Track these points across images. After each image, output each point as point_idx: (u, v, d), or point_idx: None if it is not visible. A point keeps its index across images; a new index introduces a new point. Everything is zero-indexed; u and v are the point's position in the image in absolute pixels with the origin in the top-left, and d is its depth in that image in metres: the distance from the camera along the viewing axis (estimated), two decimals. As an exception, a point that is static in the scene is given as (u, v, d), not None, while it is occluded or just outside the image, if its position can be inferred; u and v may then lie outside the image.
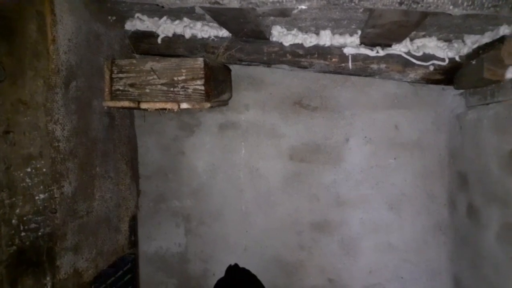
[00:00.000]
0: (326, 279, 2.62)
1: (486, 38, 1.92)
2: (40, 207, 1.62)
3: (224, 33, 2.26)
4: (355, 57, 2.21)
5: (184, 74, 1.92)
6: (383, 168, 2.54)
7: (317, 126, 2.57)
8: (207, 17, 2.11)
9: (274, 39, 2.25)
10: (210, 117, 2.65)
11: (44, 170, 1.64)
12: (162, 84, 1.93)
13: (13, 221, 1.52)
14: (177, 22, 2.28)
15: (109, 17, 2.15)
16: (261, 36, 2.20)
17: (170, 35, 2.30)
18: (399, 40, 2.13)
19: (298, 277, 2.64)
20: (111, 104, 1.99)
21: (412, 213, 2.54)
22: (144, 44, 2.35)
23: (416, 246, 2.55)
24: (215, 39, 2.28)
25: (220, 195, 2.66)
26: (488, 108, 2.00)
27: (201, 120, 2.66)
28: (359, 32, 2.14)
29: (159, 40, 2.30)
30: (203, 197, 2.68)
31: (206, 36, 2.27)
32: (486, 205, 2.04)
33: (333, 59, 2.23)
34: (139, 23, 2.31)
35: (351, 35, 2.19)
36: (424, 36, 2.15)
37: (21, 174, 1.56)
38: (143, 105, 1.97)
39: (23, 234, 1.55)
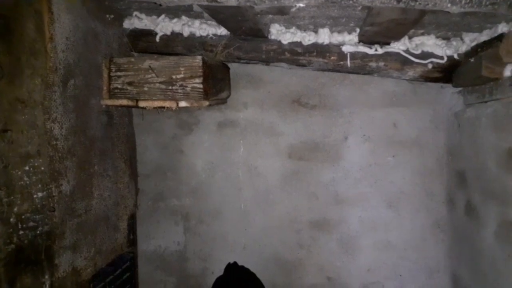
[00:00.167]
0: (325, 277, 2.63)
1: (485, 36, 1.92)
2: (39, 206, 1.62)
3: (222, 31, 2.26)
4: (354, 55, 2.21)
5: (182, 72, 1.92)
6: (381, 166, 2.54)
7: (316, 124, 2.57)
8: (205, 15, 2.11)
9: (272, 37, 2.25)
10: (209, 116, 2.65)
11: (42, 168, 1.64)
12: (160, 83, 1.93)
13: (11, 219, 1.51)
14: (175, 20, 2.27)
15: (107, 16, 2.15)
16: (260, 34, 2.19)
17: (168, 33, 2.29)
18: (397, 38, 2.13)
19: (297, 275, 2.64)
20: (109, 102, 1.99)
21: (410, 211, 2.54)
22: (142, 42, 2.35)
23: (414, 244, 2.55)
24: (214, 37, 2.28)
25: (219, 193, 2.66)
26: (486, 106, 2.00)
27: (199, 119, 2.66)
28: (358, 30, 2.14)
29: (157, 39, 2.30)
30: (202, 195, 2.68)
31: (204, 34, 2.27)
32: (484, 203, 2.04)
33: (332, 57, 2.23)
34: (137, 21, 2.30)
35: (349, 33, 2.19)
36: (422, 34, 2.15)
37: (19, 173, 1.55)
38: (142, 104, 1.97)
39: (21, 232, 1.55)
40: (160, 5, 1.68)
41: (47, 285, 1.64)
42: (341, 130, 2.56)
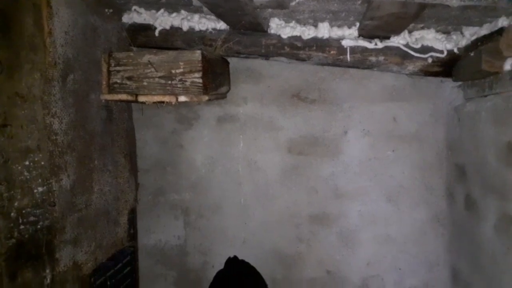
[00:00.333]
0: (324, 271, 2.64)
1: (485, 30, 1.92)
2: (39, 200, 1.62)
3: (222, 25, 2.25)
4: (354, 50, 2.21)
5: (182, 67, 1.91)
6: (381, 161, 2.55)
7: (315, 119, 2.57)
8: (205, 9, 2.10)
9: (272, 31, 2.25)
10: (208, 110, 2.65)
11: (42, 163, 1.64)
12: (159, 77, 1.93)
13: (12, 214, 1.52)
14: (174, 14, 2.26)
15: (106, 10, 2.14)
16: (259, 28, 2.19)
17: (167, 27, 2.28)
18: (397, 32, 2.12)
19: (296, 269, 2.65)
20: (109, 97, 1.98)
21: (410, 205, 2.55)
22: (141, 37, 2.34)
23: (414, 238, 2.56)
24: (213, 32, 2.27)
25: (219, 188, 2.67)
26: (486, 100, 2.00)
27: (199, 113, 2.66)
28: (358, 24, 2.13)
29: (156, 33, 2.29)
30: (202, 190, 2.68)
31: (203, 28, 2.26)
32: (484, 196, 2.05)
33: (332, 52, 2.23)
34: (136, 15, 2.29)
35: (349, 27, 2.18)
36: (422, 28, 2.14)
37: (19, 168, 1.56)
38: (141, 98, 1.97)
39: (22, 227, 1.55)
40: (159, -1, 1.68)
41: (48, 280, 1.65)
42: (341, 124, 2.56)
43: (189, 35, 2.28)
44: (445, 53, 2.13)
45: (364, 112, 2.54)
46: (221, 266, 2.56)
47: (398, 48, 2.17)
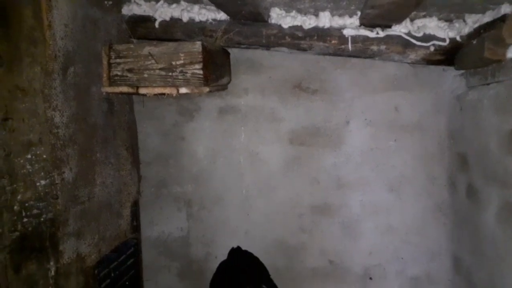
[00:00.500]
0: (326, 260, 2.65)
1: (487, 17, 1.90)
2: (42, 193, 1.63)
3: (222, 16, 2.23)
4: (355, 39, 2.19)
5: (182, 59, 1.90)
6: (383, 150, 2.54)
7: (317, 109, 2.56)
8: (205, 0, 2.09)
9: (273, 21, 2.23)
10: (210, 102, 2.64)
11: (44, 156, 1.64)
12: (160, 69, 1.92)
13: (15, 207, 1.53)
14: (174, 5, 2.25)
15: (105, 2, 2.12)
16: (260, 18, 2.17)
17: (167, 19, 2.27)
18: (399, 20, 2.10)
19: (299, 259, 2.66)
20: (110, 89, 1.98)
21: (412, 194, 2.55)
22: (141, 28, 2.33)
23: (416, 227, 2.57)
24: (213, 22, 2.26)
25: (221, 179, 2.67)
26: (488, 88, 1.99)
27: (200, 105, 2.65)
28: (359, 13, 2.12)
29: (156, 24, 2.28)
30: (204, 182, 2.69)
31: (204, 19, 2.25)
32: (486, 185, 2.04)
33: (333, 41, 2.21)
34: (136, 7, 2.28)
35: (350, 16, 2.16)
36: (424, 16, 2.13)
37: (22, 161, 1.56)
38: (142, 90, 1.97)
39: (25, 220, 1.56)
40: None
41: (52, 272, 1.66)
42: (343, 114, 2.55)
43: (189, 26, 2.27)
44: (447, 41, 2.11)
45: (365, 102, 2.53)
46: (224, 257, 2.57)
47: (399, 36, 2.15)
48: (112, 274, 2.11)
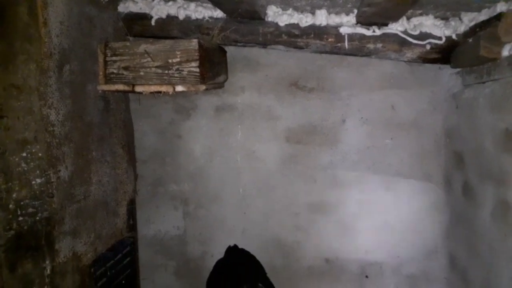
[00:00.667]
0: (323, 259, 2.65)
1: (483, 16, 1.90)
2: (37, 192, 1.62)
3: (218, 13, 2.23)
4: (352, 37, 2.19)
5: (178, 56, 1.90)
6: (379, 149, 2.55)
7: (314, 108, 2.56)
8: (201, -3, 2.08)
9: (269, 19, 2.23)
10: (206, 100, 2.63)
11: (40, 154, 1.63)
12: (156, 67, 1.91)
13: (10, 205, 1.52)
14: (170, 3, 2.24)
15: (101, -1, 2.12)
16: (256, 16, 2.17)
17: (163, 16, 2.26)
18: (395, 18, 2.11)
19: (295, 258, 2.67)
20: (106, 87, 1.97)
21: (408, 192, 2.56)
22: (137, 26, 2.32)
23: (412, 225, 2.57)
24: (210, 20, 2.25)
25: (218, 178, 2.67)
26: (484, 87, 2.00)
27: (197, 103, 2.64)
28: (355, 11, 2.11)
29: (152, 22, 2.27)
30: (201, 180, 2.68)
31: (200, 17, 2.24)
32: (481, 183, 2.05)
33: (329, 39, 2.21)
34: (132, 4, 2.27)
35: (347, 14, 2.16)
36: (421, 14, 2.13)
37: (17, 159, 1.55)
38: (138, 88, 1.96)
39: (20, 218, 1.55)
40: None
41: (48, 270, 1.65)
42: (339, 113, 2.55)
43: (186, 24, 2.26)
44: (444, 39, 2.11)
45: (362, 100, 2.53)
46: (221, 256, 2.57)
47: (396, 35, 2.15)
48: (109, 273, 2.10)
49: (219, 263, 2.55)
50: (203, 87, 1.96)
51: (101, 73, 1.95)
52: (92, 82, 2.00)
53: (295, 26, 2.21)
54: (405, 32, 2.14)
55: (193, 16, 2.24)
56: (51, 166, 1.68)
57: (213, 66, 2.14)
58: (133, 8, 2.27)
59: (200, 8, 2.22)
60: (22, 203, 1.56)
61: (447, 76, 2.43)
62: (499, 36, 1.70)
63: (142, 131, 2.68)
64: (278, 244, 2.67)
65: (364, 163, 2.57)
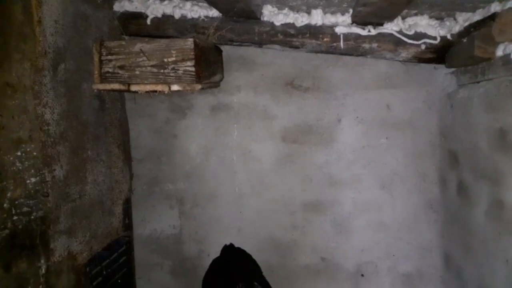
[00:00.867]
0: (319, 258, 2.66)
1: (478, 16, 1.91)
2: (32, 191, 1.62)
3: (214, 13, 2.23)
4: (347, 37, 2.20)
5: (174, 55, 1.90)
6: (375, 148, 2.56)
7: (309, 107, 2.57)
8: (197, -4, 2.08)
9: (265, 18, 2.23)
10: (202, 99, 2.63)
11: (35, 153, 1.63)
12: (152, 66, 1.91)
13: (5, 205, 1.51)
14: (166, 2, 2.24)
15: (97, -2, 2.11)
16: (252, 15, 2.17)
17: (159, 15, 2.26)
18: (390, 18, 2.11)
19: (291, 256, 2.67)
20: (101, 86, 1.97)
21: (403, 192, 2.57)
22: (133, 25, 2.31)
23: (407, 224, 2.59)
24: (205, 19, 2.25)
25: (213, 177, 2.67)
26: (478, 86, 2.01)
27: (192, 103, 2.64)
28: (351, 11, 2.12)
29: (148, 21, 2.27)
30: (196, 179, 2.68)
31: (196, 16, 2.24)
32: (475, 182, 2.06)
33: (325, 39, 2.22)
34: (128, 3, 2.27)
35: (342, 14, 2.17)
36: (416, 14, 2.14)
37: (11, 158, 1.55)
38: (133, 88, 1.96)
39: (15, 217, 1.55)
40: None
41: (43, 270, 1.65)
42: (335, 112, 2.56)
43: (181, 23, 2.26)
44: (438, 39, 2.12)
45: (357, 99, 2.54)
46: (217, 255, 2.57)
47: (391, 34, 2.16)
48: (104, 272, 2.10)
49: (215, 262, 2.54)
50: (199, 86, 1.96)
51: (96, 72, 1.94)
52: (87, 81, 1.99)
53: (291, 25, 2.21)
54: (400, 32, 2.15)
55: (189, 15, 2.24)
56: (46, 165, 1.68)
57: (208, 65, 2.14)
58: (128, 7, 2.27)
59: (195, 7, 2.22)
60: (16, 202, 1.56)
61: (442, 76, 2.44)
62: (493, 36, 1.71)
63: (138, 130, 2.67)
64: (274, 243, 2.67)
65: (360, 163, 2.57)
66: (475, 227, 2.08)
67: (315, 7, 2.15)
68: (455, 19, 2.10)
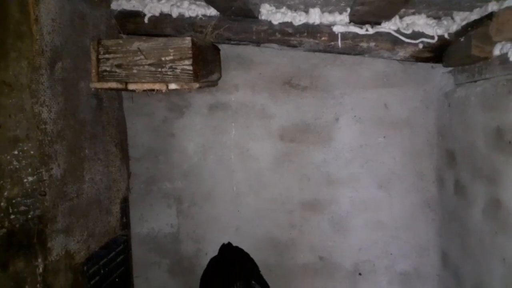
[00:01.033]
0: (316, 256, 2.67)
1: (475, 15, 1.91)
2: (29, 190, 1.61)
3: (212, 11, 2.23)
4: (345, 36, 2.20)
5: (171, 54, 1.90)
6: (372, 147, 2.56)
7: (307, 106, 2.57)
8: (194, -5, 2.08)
9: (263, 17, 2.23)
10: (200, 98, 2.63)
11: (32, 152, 1.62)
12: (149, 65, 1.91)
13: (2, 204, 1.51)
14: (163, 1, 2.24)
15: (94, -4, 2.10)
16: (250, 14, 2.17)
17: (157, 14, 2.26)
18: (388, 17, 2.12)
19: (289, 255, 2.68)
20: (98, 85, 1.97)
21: (401, 190, 2.57)
22: (130, 24, 2.31)
23: (405, 223, 2.59)
24: (203, 18, 2.25)
25: (211, 176, 2.67)
26: (475, 86, 2.01)
27: (190, 101, 2.64)
28: (349, 9, 2.12)
29: (146, 20, 2.26)
30: (194, 178, 2.68)
31: (193, 15, 2.24)
32: (473, 181, 2.07)
33: (323, 38, 2.22)
34: (125, 2, 2.26)
35: (340, 13, 2.17)
36: (413, 13, 2.14)
37: (8, 157, 1.54)
38: (131, 86, 1.95)
39: (12, 216, 1.54)
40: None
41: (41, 269, 1.65)
42: (332, 111, 2.56)
43: (179, 22, 2.26)
44: (436, 38, 2.12)
45: (355, 98, 2.54)
46: (215, 254, 2.57)
47: (389, 34, 2.16)
48: (102, 271, 2.10)
49: (213, 260, 2.55)
50: (197, 85, 1.96)
51: (93, 70, 1.94)
52: (84, 79, 1.99)
53: (289, 24, 2.21)
54: (397, 31, 2.15)
55: (187, 14, 2.23)
56: (43, 164, 1.68)
57: (206, 64, 2.14)
58: (126, 5, 2.26)
59: (193, 6, 2.22)
60: (14, 201, 1.55)
61: (439, 75, 2.44)
62: (490, 36, 1.71)
63: (135, 129, 2.67)
64: (271, 242, 2.68)
65: (357, 162, 2.58)
66: (472, 226, 2.08)
67: (313, 6, 2.14)
68: (452, 18, 2.10)
